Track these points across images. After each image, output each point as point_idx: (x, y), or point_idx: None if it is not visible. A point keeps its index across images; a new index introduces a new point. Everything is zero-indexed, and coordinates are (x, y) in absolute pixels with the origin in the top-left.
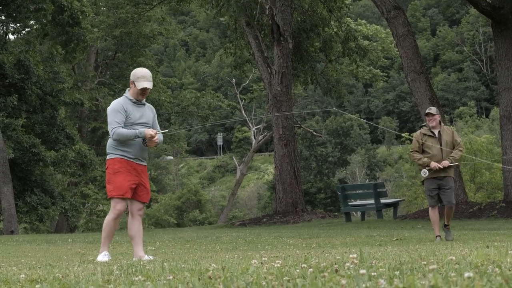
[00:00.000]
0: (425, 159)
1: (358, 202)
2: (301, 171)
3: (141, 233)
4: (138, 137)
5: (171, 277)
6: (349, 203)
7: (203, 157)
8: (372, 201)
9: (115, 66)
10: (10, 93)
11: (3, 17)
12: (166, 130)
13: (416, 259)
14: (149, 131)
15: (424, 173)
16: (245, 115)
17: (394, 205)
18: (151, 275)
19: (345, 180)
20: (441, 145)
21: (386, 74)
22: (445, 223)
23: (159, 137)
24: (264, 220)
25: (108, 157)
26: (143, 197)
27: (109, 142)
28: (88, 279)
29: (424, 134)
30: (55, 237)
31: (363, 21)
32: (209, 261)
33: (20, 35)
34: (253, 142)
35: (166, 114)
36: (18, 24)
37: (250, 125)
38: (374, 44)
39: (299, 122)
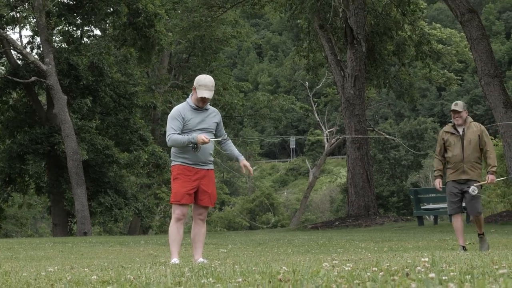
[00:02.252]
0: (436, 172)
1: (431, 206)
2: (373, 174)
3: (201, 236)
4: (191, 142)
5: (240, 279)
6: (422, 207)
7: (276, 160)
8: (445, 205)
9: (188, 69)
10: (84, 95)
11: (78, 20)
12: (220, 138)
13: (488, 263)
14: (202, 136)
15: (473, 190)
16: (318, 118)
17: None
18: (222, 277)
19: (418, 184)
20: (462, 145)
21: (460, 77)
22: (478, 232)
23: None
24: (336, 223)
25: (171, 164)
26: (204, 201)
27: (172, 149)
28: (159, 280)
29: (447, 132)
30: (128, 239)
31: (438, 24)
32: (280, 264)
33: (96, 39)
34: (326, 145)
35: (239, 117)
36: (92, 28)
37: (323, 128)
38: (449, 48)
39: (372, 125)
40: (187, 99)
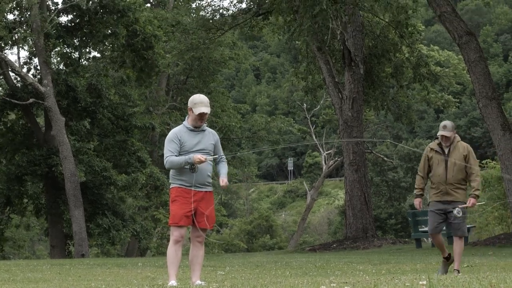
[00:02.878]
0: (416, 191)
1: None
2: (371, 196)
3: (199, 259)
4: (188, 163)
5: None
6: (420, 229)
7: (274, 182)
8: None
9: (186, 91)
10: (82, 117)
11: (76, 42)
12: (216, 156)
13: (486, 286)
14: (197, 156)
15: (458, 212)
16: (316, 140)
17: None
18: None
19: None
20: (446, 166)
21: (458, 99)
22: (455, 267)
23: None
24: (334, 245)
25: (170, 186)
26: (201, 224)
27: (170, 171)
28: None
29: (432, 149)
30: (126, 261)
31: (436, 47)
32: (278, 287)
33: (93, 61)
34: (324, 167)
35: (236, 139)
36: (91, 49)
37: (321, 150)
38: (447, 70)
39: (369, 148)
40: (183, 122)
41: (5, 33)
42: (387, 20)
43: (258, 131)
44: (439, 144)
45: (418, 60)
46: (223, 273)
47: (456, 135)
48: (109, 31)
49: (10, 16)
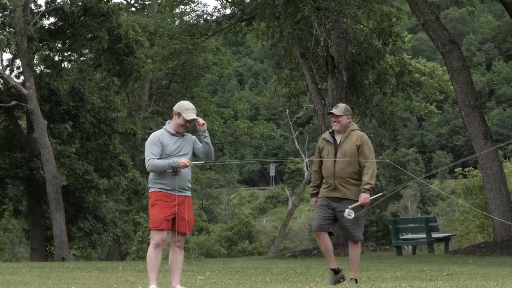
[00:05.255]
0: (311, 189)
1: (410, 235)
2: None
3: (179, 263)
4: (172, 166)
5: None
6: (401, 237)
7: (255, 188)
8: (424, 235)
9: (169, 96)
10: (64, 120)
11: (59, 45)
12: (201, 162)
13: None
14: (182, 160)
15: (349, 214)
16: (297, 146)
17: (446, 239)
18: None
19: (398, 214)
20: (335, 156)
21: (440, 108)
22: (351, 276)
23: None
24: (315, 252)
25: (149, 190)
26: (181, 228)
27: (150, 175)
28: None
29: (324, 139)
30: (106, 265)
31: (423, 60)
32: None
33: (76, 63)
34: (306, 174)
35: (219, 144)
36: (73, 53)
37: (302, 156)
38: (431, 80)
39: None
40: (164, 127)
41: None
42: (370, 27)
43: (241, 136)
44: (332, 133)
45: (401, 68)
46: (203, 278)
47: (354, 124)
48: (92, 34)
49: None
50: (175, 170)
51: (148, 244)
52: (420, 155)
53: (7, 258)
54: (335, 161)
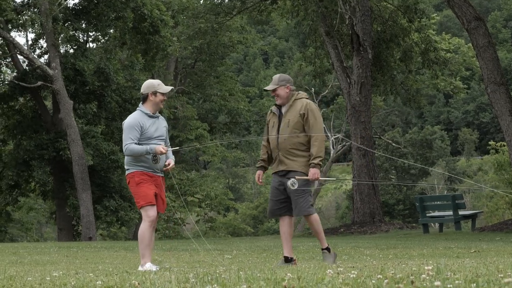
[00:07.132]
0: (258, 163)
1: (436, 213)
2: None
3: (152, 243)
4: (149, 153)
5: (245, 286)
6: (427, 215)
7: None
8: (451, 213)
9: (194, 75)
10: (89, 100)
11: (84, 25)
12: (178, 148)
13: (494, 271)
14: (160, 148)
15: (293, 183)
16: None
17: (473, 217)
18: (227, 284)
19: (425, 192)
20: (279, 127)
21: (467, 85)
22: (322, 246)
23: (169, 153)
24: (342, 230)
25: (127, 172)
26: (159, 208)
27: (126, 158)
28: (163, 286)
29: (270, 111)
30: (133, 244)
31: (447, 35)
32: (285, 271)
33: (100, 43)
34: (332, 152)
35: (244, 123)
36: (98, 33)
37: (328, 134)
38: (456, 56)
39: (378, 133)
40: (138, 108)
41: (14, 16)
42: (395, 5)
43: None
44: (279, 105)
45: (426, 45)
46: (230, 257)
47: (302, 92)
48: (117, 14)
49: None
50: (155, 158)
51: (174, 223)
52: (446, 132)
53: (35, 238)
54: (278, 132)
